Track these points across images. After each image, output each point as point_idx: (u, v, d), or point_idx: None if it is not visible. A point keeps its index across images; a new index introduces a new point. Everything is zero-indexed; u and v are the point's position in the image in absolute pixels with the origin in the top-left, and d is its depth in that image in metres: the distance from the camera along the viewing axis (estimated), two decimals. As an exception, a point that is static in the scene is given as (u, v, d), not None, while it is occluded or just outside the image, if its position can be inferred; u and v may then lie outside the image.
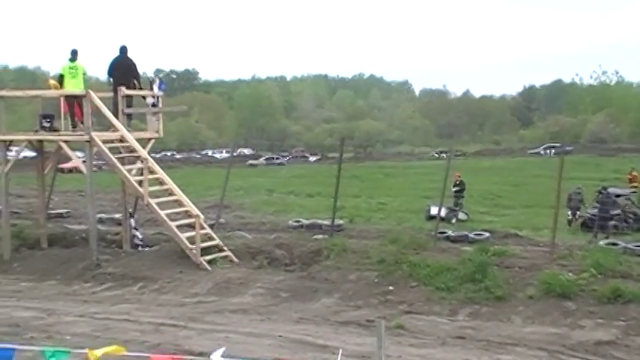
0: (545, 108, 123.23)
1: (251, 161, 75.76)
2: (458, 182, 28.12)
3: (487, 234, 21.55)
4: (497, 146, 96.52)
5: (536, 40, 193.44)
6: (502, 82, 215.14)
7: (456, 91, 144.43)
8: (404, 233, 19.89)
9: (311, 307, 14.24)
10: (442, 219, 21.80)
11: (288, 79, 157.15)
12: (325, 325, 12.83)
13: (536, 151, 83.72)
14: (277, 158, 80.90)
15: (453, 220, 25.95)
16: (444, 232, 21.13)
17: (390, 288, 15.04)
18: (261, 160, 78.52)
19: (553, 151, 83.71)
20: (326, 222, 21.78)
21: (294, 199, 35.38)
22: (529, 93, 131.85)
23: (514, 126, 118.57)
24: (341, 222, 22.86)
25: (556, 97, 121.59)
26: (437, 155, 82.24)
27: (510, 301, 14.06)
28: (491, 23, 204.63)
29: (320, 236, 19.80)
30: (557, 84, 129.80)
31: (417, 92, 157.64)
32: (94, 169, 19.43)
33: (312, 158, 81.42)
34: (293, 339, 11.57)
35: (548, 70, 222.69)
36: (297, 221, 23.85)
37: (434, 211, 23.25)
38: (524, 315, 13.54)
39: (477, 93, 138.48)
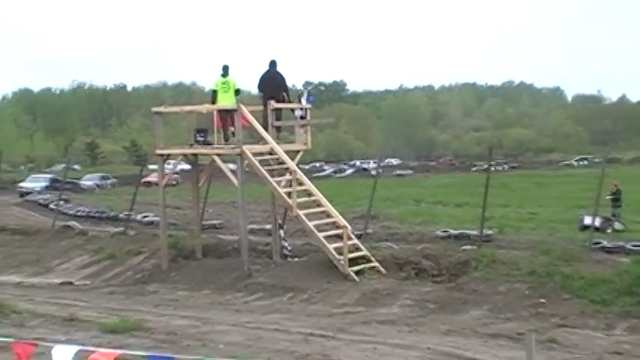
0: None
1: (398, 171, 75.78)
2: (614, 191, 27.02)
3: (646, 244, 20.57)
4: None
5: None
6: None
7: (612, 96, 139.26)
8: (556, 244, 19.31)
9: (459, 319, 14.05)
10: (596, 229, 21.00)
11: (436, 88, 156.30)
12: (474, 337, 12.62)
13: (568, 162, 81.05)
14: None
15: (609, 230, 24.90)
16: (599, 243, 20.32)
17: (542, 300, 14.63)
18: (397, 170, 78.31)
19: (586, 162, 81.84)
20: (475, 232, 21.43)
21: (441, 209, 35.02)
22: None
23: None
24: (490, 232, 22.43)
25: None
26: (575, 163, 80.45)
27: (673, 317, 13.37)
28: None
29: (468, 247, 19.51)
30: None
31: (569, 98, 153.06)
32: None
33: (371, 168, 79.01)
34: (441, 351, 11.43)
35: None
36: (445, 231, 23.58)
37: (588, 220, 22.42)
38: (688, 331, 12.84)
39: (634, 98, 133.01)
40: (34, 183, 52.62)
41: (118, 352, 5.29)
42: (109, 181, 61.75)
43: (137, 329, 12.47)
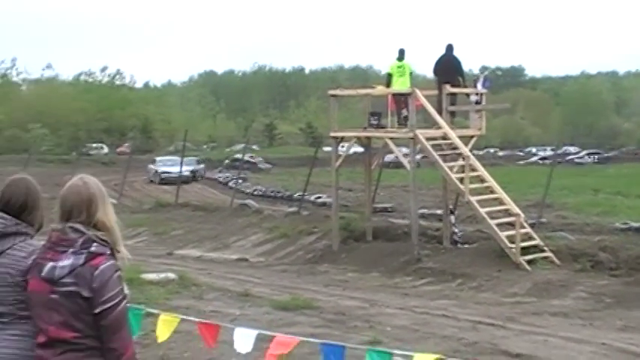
0: None
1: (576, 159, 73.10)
2: None
3: None
4: None
5: None
6: None
7: None
8: None
9: (637, 315, 13.42)
10: None
11: (621, 74, 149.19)
12: (653, 335, 12.03)
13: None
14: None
15: None
16: None
17: None
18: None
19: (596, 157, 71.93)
20: (658, 225, 20.43)
21: (621, 200, 33.54)
22: None
23: None
24: (674, 226, 21.31)
25: None
26: None
27: None
28: None
29: (650, 240, 18.60)
30: None
31: None
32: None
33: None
34: (617, 347, 10.97)
35: None
36: (625, 223, 22.62)
37: None
38: None
39: None
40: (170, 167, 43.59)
41: (296, 339, 5.45)
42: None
43: (307, 307, 12.74)
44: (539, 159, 70.76)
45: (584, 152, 78.39)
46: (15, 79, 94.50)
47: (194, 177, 46.03)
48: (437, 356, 4.83)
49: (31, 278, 3.63)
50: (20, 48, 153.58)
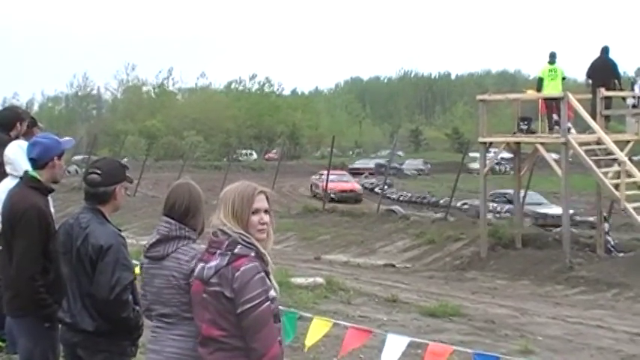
0: None
1: None
2: None
3: None
4: None
5: None
6: None
7: None
8: None
9: None
10: None
11: None
12: None
13: None
14: None
15: None
16: None
17: None
18: None
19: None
20: None
21: None
22: None
23: None
24: None
25: None
26: None
27: None
28: None
29: None
30: None
31: None
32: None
33: None
34: None
35: None
36: None
37: None
38: None
39: None
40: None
41: (450, 348, 5.45)
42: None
43: (455, 314, 12.57)
44: None
45: None
46: (171, 88, 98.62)
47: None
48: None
49: (192, 280, 3.79)
50: (176, 58, 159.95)
